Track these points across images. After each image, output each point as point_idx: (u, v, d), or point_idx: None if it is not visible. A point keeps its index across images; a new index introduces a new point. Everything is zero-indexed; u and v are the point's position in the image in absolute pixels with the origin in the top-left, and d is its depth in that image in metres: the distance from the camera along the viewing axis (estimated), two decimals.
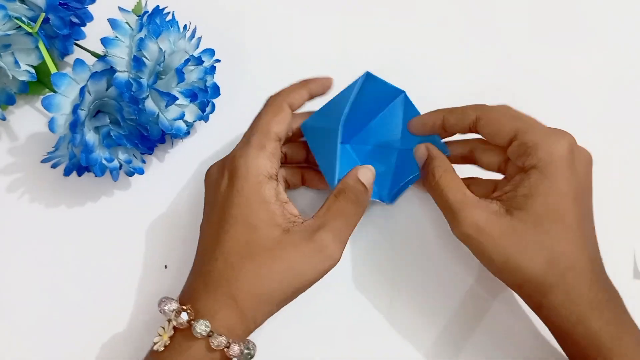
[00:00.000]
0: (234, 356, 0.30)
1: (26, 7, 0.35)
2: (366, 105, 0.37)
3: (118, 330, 0.37)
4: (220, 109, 0.42)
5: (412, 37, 0.46)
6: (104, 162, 0.36)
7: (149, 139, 0.38)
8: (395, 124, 0.39)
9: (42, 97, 0.38)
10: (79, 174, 0.38)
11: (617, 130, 0.44)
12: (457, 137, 0.37)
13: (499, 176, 0.37)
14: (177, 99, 0.37)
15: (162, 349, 0.30)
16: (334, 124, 0.33)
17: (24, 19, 0.35)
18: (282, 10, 0.46)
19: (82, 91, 0.33)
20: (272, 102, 0.35)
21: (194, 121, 0.39)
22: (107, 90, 0.35)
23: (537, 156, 0.31)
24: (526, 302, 0.33)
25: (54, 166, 0.37)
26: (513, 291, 0.34)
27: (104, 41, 0.33)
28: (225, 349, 0.29)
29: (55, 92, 0.33)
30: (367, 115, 0.39)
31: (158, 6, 0.36)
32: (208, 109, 0.40)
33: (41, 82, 0.39)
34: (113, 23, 0.34)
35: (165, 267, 0.39)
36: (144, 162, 0.39)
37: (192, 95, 0.38)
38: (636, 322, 0.32)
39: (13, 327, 0.37)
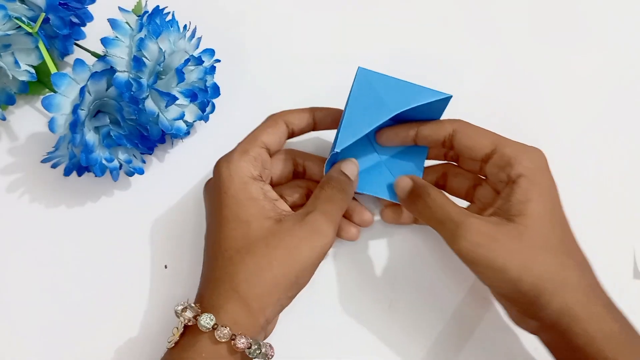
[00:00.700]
0: (242, 349, 0.29)
1: (26, 7, 0.35)
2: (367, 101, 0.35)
3: (118, 330, 0.37)
4: (220, 109, 0.42)
5: (412, 37, 0.46)
6: (104, 162, 0.36)
7: (149, 139, 0.38)
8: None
9: (42, 97, 0.38)
10: (79, 174, 0.38)
11: (617, 130, 0.44)
12: (428, 163, 0.38)
13: None
14: (177, 99, 0.37)
15: (172, 345, 0.31)
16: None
17: (24, 19, 0.35)
18: (282, 10, 0.46)
19: (82, 91, 0.33)
20: (269, 118, 0.37)
21: (194, 121, 0.39)
22: (107, 90, 0.35)
23: (523, 165, 0.33)
24: (533, 315, 0.32)
25: (54, 166, 0.37)
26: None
27: (104, 41, 0.33)
28: (232, 342, 0.29)
29: (55, 92, 0.33)
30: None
31: (158, 6, 0.36)
32: (208, 109, 0.40)
33: (41, 82, 0.39)
34: (113, 23, 0.34)
35: (165, 267, 0.39)
36: (144, 162, 0.39)
37: (192, 95, 0.38)
38: (637, 322, 0.32)
39: (12, 326, 0.37)
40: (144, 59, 0.34)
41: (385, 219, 0.40)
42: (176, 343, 0.30)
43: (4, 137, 0.41)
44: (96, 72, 0.33)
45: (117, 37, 0.34)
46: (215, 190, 0.34)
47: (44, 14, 0.35)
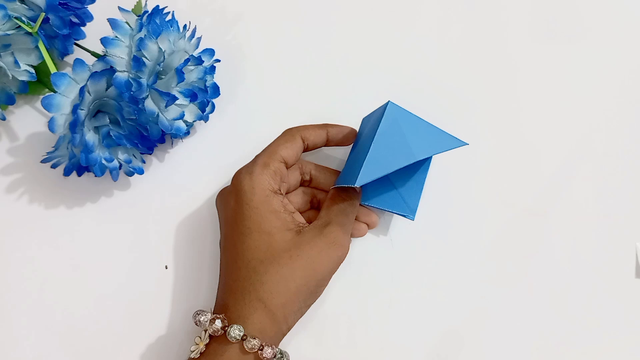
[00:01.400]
0: (268, 359, 0.31)
1: (26, 7, 0.35)
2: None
3: (117, 330, 0.37)
4: (220, 109, 0.42)
5: (412, 37, 0.46)
6: (103, 162, 0.36)
7: (149, 139, 0.38)
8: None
9: (42, 97, 0.38)
10: (79, 174, 0.38)
11: (617, 130, 0.44)
12: None
13: None
14: (177, 99, 0.37)
15: (198, 356, 0.31)
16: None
17: (24, 19, 0.35)
18: (282, 10, 0.46)
19: (82, 91, 0.33)
20: (287, 132, 0.37)
21: (194, 121, 0.39)
22: (107, 90, 0.35)
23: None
24: None
25: (54, 166, 0.37)
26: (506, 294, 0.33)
27: (104, 41, 0.33)
28: (260, 352, 0.31)
29: (55, 92, 0.33)
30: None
31: (158, 6, 0.36)
32: (208, 109, 0.40)
33: (41, 82, 0.39)
34: (113, 23, 0.34)
35: (166, 267, 0.39)
36: (143, 162, 0.39)
37: (192, 95, 0.38)
38: (637, 322, 0.31)
39: (11, 326, 0.37)
40: (143, 58, 0.34)
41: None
42: (202, 353, 0.31)
43: (4, 137, 0.41)
44: (96, 72, 0.33)
45: (117, 37, 0.34)
46: (236, 201, 0.35)
47: (44, 13, 0.35)
